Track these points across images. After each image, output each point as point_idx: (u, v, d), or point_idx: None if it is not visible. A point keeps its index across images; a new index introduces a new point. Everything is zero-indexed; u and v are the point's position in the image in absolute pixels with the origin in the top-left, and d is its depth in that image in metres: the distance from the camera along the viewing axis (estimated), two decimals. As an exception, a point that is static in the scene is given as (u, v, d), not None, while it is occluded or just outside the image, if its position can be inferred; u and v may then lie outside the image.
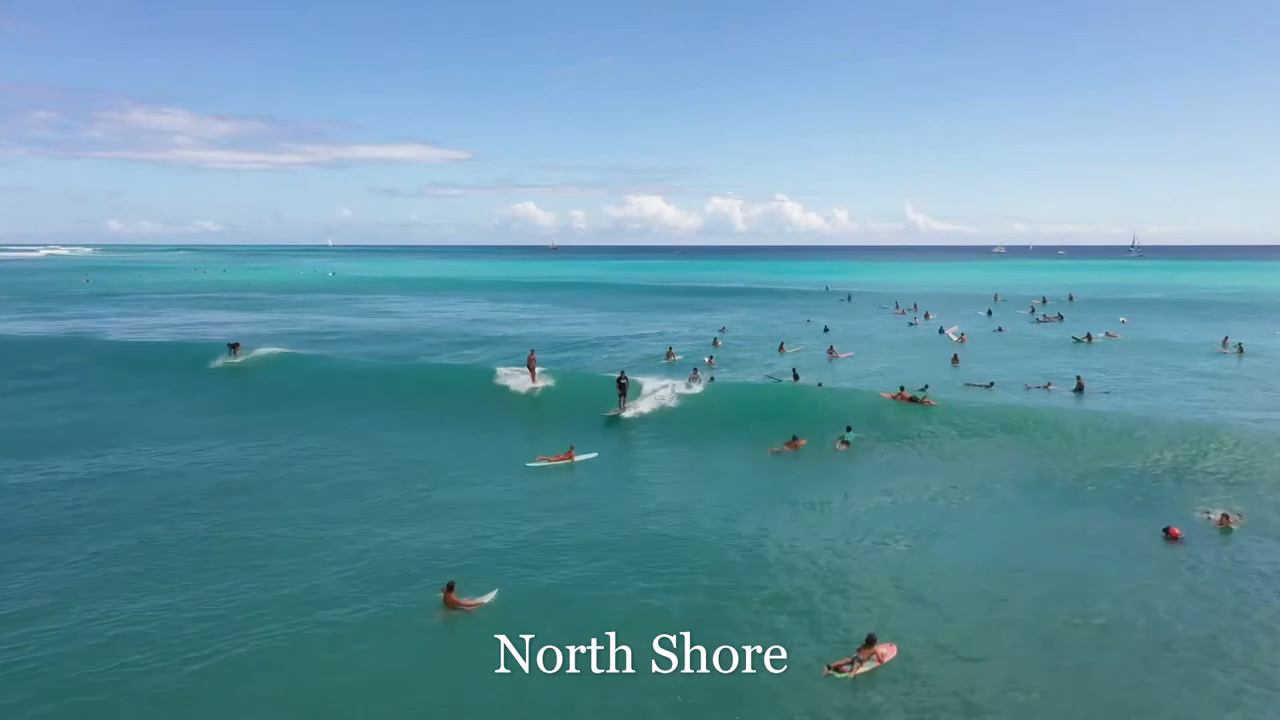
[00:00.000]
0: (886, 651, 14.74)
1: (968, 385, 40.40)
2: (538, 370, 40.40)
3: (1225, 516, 22.19)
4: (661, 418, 35.34)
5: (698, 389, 37.97)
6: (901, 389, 35.73)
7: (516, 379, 40.50)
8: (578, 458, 28.66)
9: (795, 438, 30.36)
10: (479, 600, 17.13)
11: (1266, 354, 51.81)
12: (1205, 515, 22.58)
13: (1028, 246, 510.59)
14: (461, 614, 16.85)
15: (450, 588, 17.23)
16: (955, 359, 49.04)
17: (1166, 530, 21.33)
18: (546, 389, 39.68)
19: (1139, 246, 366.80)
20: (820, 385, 38.55)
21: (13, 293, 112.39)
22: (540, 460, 28.41)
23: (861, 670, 14.26)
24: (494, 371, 41.99)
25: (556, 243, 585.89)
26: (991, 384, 40.43)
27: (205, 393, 41.71)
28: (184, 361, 48.35)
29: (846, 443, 30.51)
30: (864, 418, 33.22)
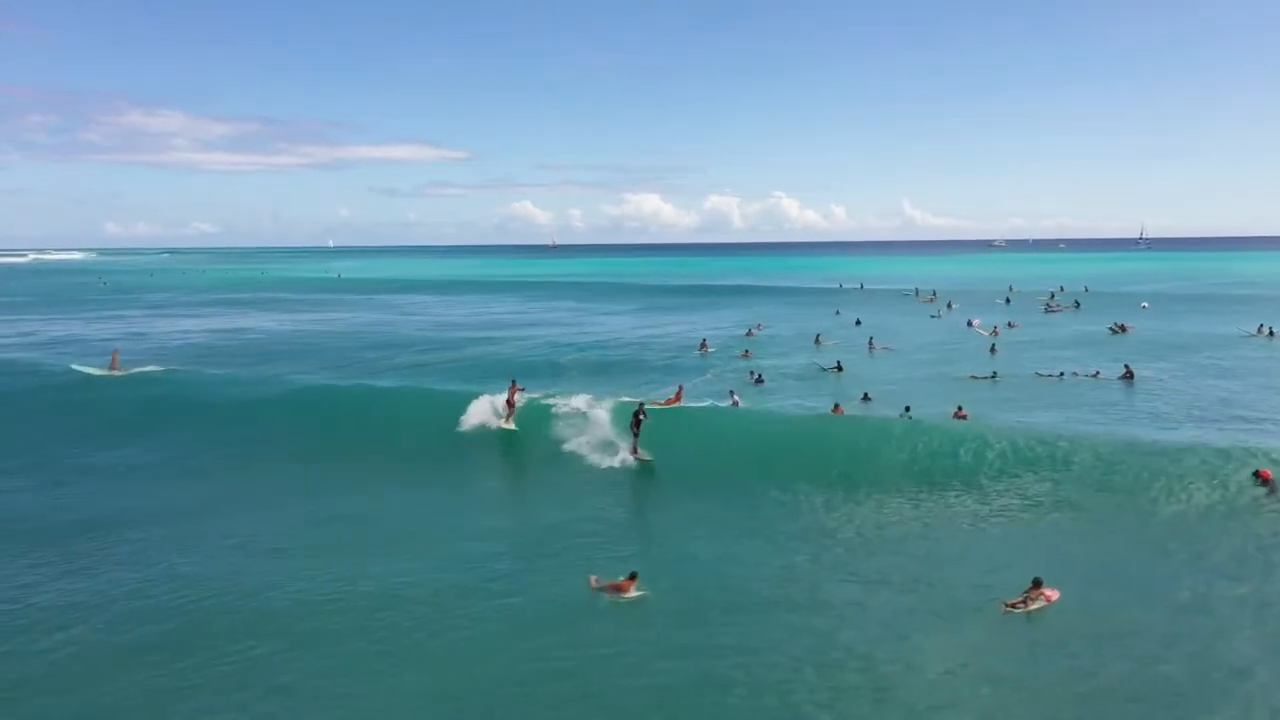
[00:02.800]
0: (1052, 594, 16.43)
1: (972, 378, 40.16)
2: (519, 401, 30.76)
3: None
4: (706, 464, 26.18)
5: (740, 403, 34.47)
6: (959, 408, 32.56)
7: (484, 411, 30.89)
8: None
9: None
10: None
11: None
12: None
13: (1027, 240, 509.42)
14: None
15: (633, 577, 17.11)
16: (994, 349, 49.09)
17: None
18: (530, 430, 29.68)
19: (1147, 239, 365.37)
20: (908, 412, 30.71)
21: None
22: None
23: (1034, 607, 16.16)
24: (461, 400, 31.59)
25: (556, 241, 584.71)
26: (995, 374, 40.30)
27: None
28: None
29: None
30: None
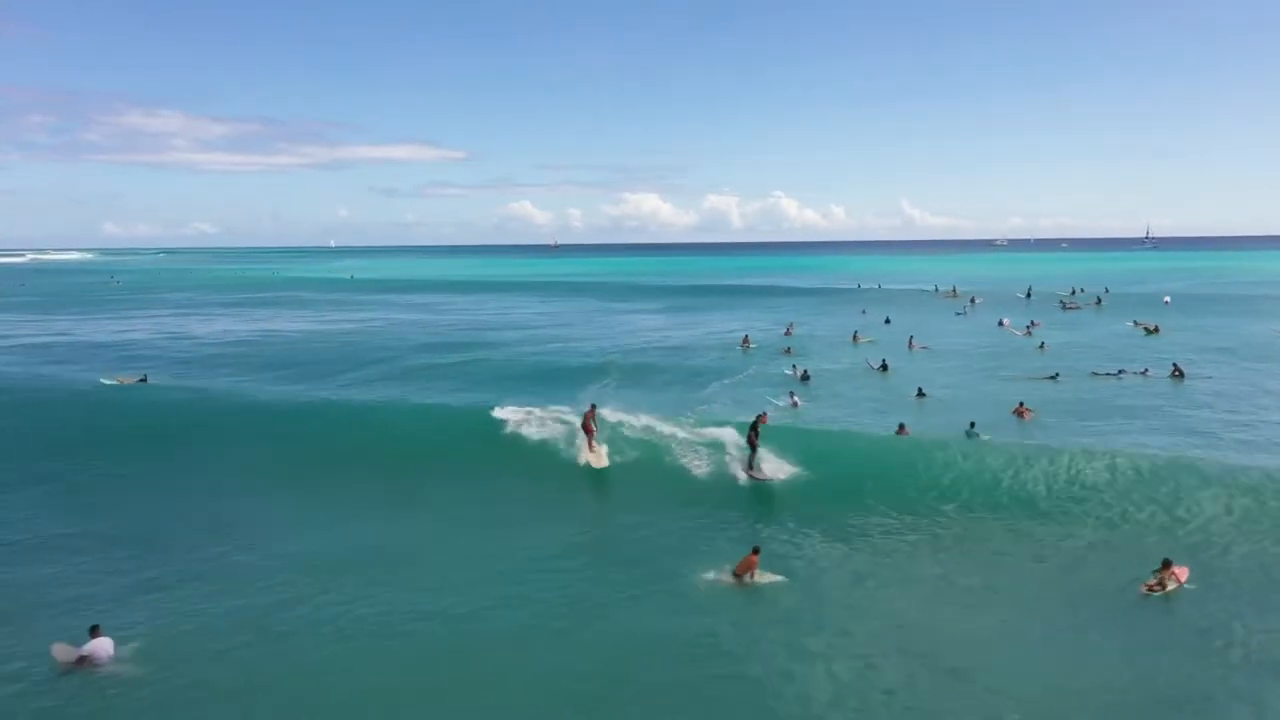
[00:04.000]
0: (1182, 572, 16.87)
1: (1031, 378, 40.29)
2: (595, 437, 25.64)
3: None
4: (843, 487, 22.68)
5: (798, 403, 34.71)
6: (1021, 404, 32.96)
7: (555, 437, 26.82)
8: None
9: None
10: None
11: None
12: None
13: (1028, 240, 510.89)
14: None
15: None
16: (1043, 346, 49.93)
17: None
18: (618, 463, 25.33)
19: (1153, 238, 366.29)
20: (973, 430, 28.91)
21: None
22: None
23: (1171, 589, 16.55)
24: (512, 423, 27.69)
25: (558, 241, 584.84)
26: (1056, 375, 40.34)
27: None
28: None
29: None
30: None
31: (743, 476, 23.79)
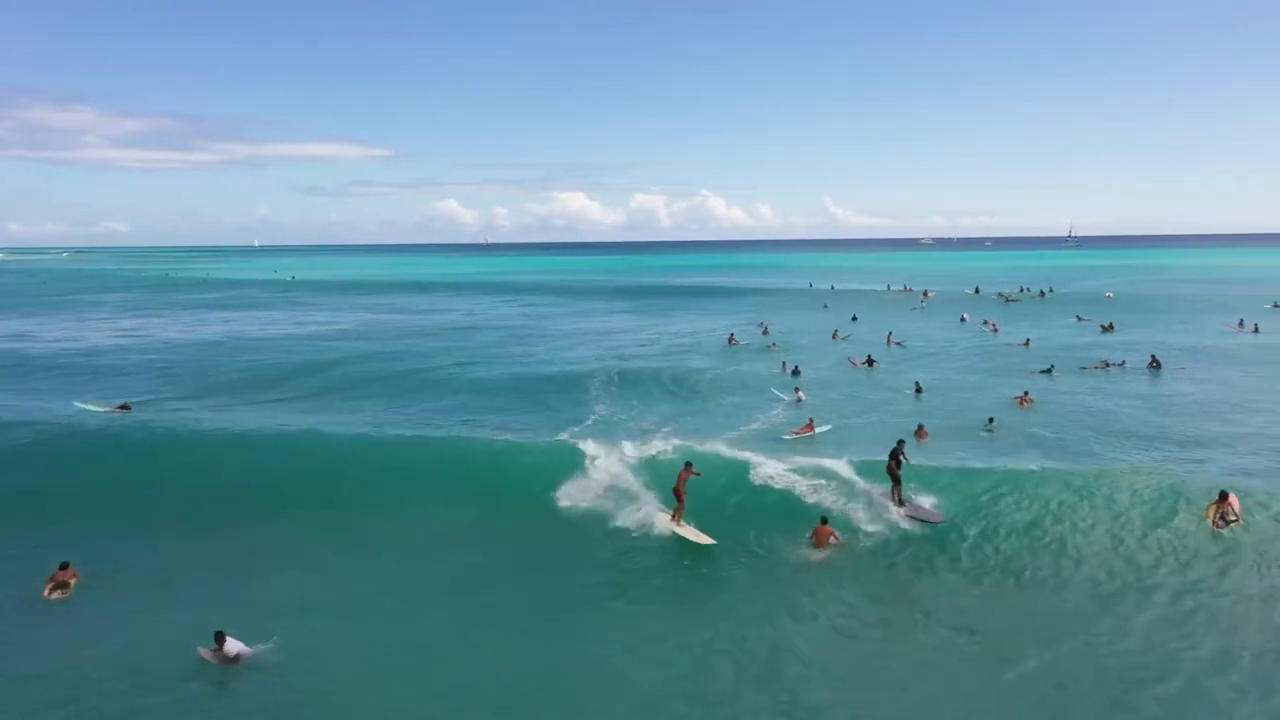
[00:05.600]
0: (1234, 500, 18.53)
1: (1029, 372, 42.23)
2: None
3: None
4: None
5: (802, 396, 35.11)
6: None
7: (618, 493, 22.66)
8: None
9: None
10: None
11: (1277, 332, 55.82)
12: None
13: (952, 239, 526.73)
14: None
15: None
16: (1028, 342, 52.27)
17: None
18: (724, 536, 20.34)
19: (1075, 236, 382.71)
20: (991, 424, 30.08)
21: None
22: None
23: (1231, 520, 18.24)
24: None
25: (490, 239, 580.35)
26: (1051, 368, 42.46)
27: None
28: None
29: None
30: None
31: (896, 513, 20.48)
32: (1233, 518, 17.91)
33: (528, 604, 17.49)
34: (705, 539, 19.64)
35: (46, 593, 17.82)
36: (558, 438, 28.09)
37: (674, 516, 20.44)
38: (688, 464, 21.17)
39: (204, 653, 15.01)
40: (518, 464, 24.99)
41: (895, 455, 20.94)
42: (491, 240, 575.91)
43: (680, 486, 20.40)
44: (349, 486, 24.21)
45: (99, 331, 67.11)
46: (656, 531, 20.53)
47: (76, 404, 35.50)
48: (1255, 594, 16.95)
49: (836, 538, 19.41)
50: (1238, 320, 59.53)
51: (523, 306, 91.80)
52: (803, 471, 22.68)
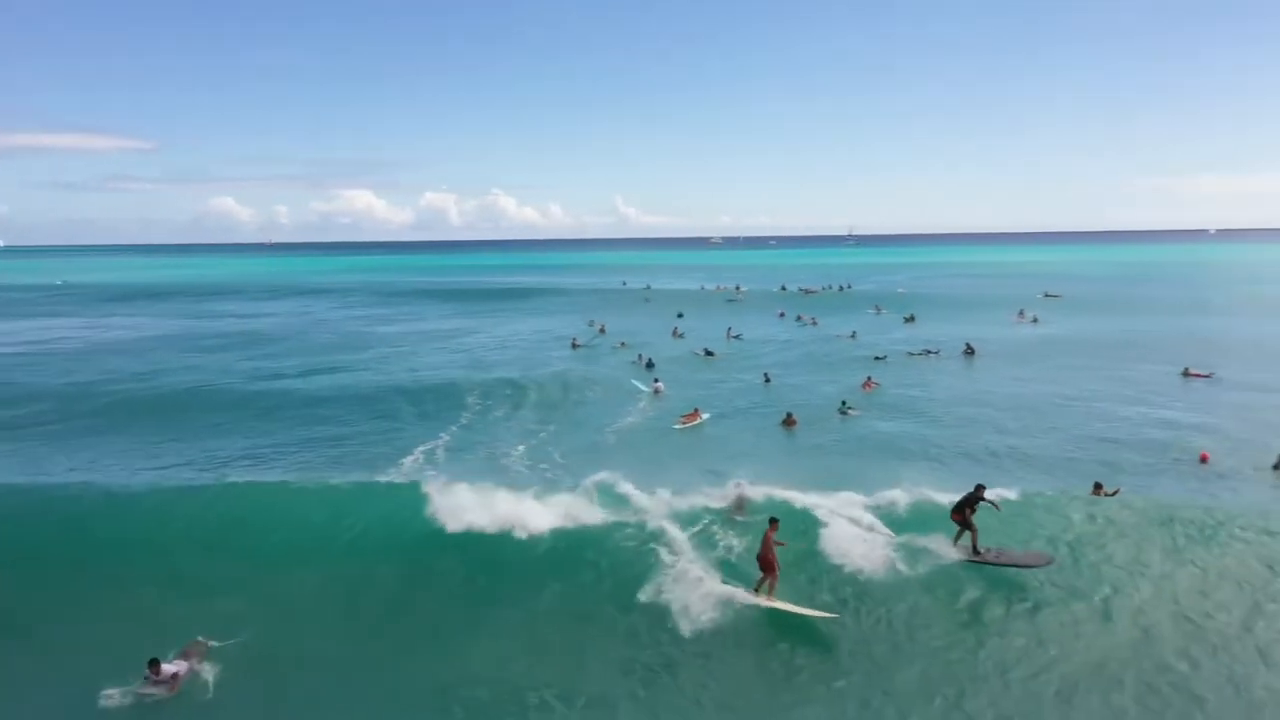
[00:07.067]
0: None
1: (875, 358, 46.23)
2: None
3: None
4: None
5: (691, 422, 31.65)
6: None
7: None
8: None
9: None
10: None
11: (1052, 321, 63.28)
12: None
13: (739, 238, 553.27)
14: None
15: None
16: (854, 335, 56.35)
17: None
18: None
19: (855, 235, 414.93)
20: (845, 406, 33.38)
21: None
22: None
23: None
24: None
25: (272, 239, 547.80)
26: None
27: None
28: None
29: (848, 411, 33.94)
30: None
31: (985, 556, 17.34)
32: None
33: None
34: (817, 612, 15.83)
35: None
36: (407, 475, 24.13)
37: (764, 589, 16.25)
38: (773, 521, 16.75)
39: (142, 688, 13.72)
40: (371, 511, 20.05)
41: (972, 503, 17.48)
42: (274, 240, 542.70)
43: (769, 552, 16.15)
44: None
45: None
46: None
47: None
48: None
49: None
50: (1019, 311, 66.97)
51: (345, 310, 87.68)
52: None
